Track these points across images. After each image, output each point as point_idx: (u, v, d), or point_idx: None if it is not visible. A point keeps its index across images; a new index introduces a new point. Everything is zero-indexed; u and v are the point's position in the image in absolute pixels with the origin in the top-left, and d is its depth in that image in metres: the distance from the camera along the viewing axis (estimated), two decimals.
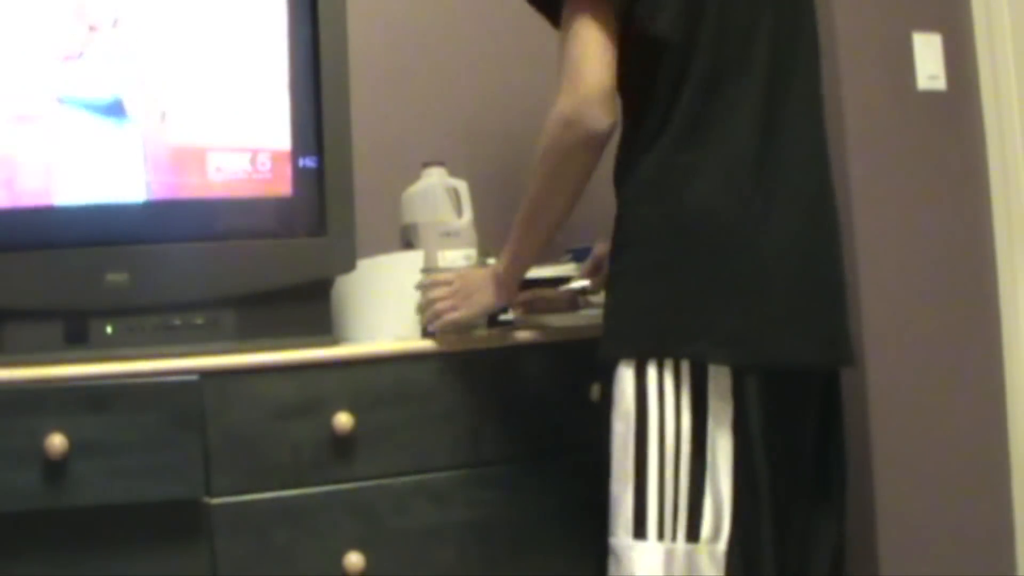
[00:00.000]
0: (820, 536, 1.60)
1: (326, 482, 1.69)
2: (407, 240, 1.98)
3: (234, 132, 1.75)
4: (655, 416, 1.48)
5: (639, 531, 1.48)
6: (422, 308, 1.79)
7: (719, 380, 1.48)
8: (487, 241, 2.18)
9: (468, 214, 1.96)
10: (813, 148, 1.59)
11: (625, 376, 1.50)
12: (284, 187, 1.78)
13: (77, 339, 1.66)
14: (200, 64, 1.74)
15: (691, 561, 1.47)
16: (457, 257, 1.91)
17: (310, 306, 1.78)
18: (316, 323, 1.78)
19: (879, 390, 2.20)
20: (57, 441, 1.52)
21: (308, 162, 1.78)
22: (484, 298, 1.73)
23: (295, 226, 1.79)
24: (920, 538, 2.21)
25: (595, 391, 1.81)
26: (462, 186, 1.97)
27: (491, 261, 2.04)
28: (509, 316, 1.91)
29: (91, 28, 1.69)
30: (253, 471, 1.65)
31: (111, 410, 1.57)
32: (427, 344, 1.80)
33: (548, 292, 1.86)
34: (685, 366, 1.48)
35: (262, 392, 1.66)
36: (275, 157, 1.77)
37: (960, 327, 2.55)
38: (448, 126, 2.31)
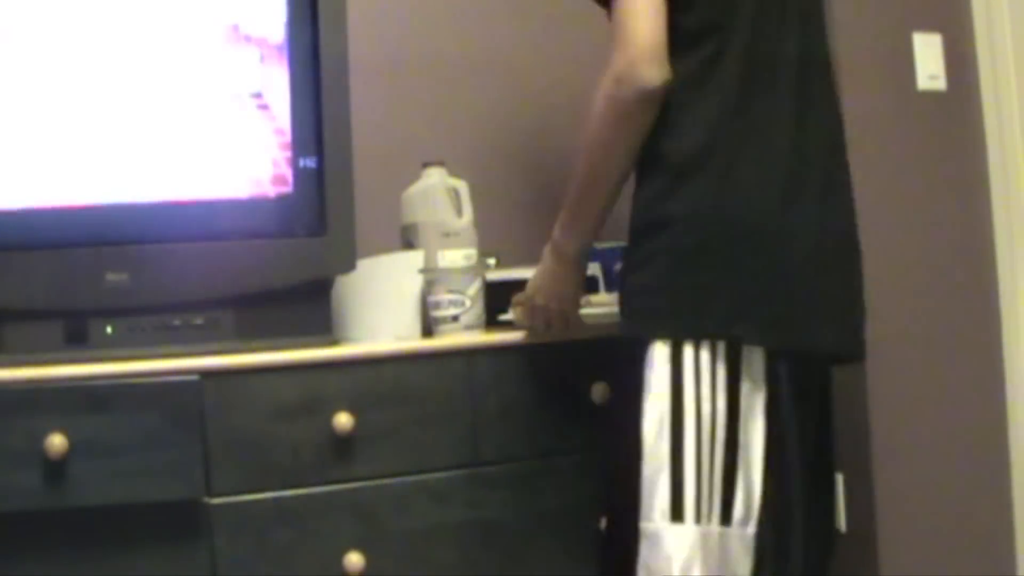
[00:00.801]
0: (817, 520, 1.62)
1: (326, 482, 1.69)
2: (407, 240, 1.98)
3: (234, 132, 1.75)
4: (691, 397, 1.48)
5: (676, 514, 1.48)
6: (535, 333, 1.79)
7: (753, 363, 1.49)
8: (487, 241, 2.18)
9: (468, 214, 1.96)
10: (835, 140, 1.62)
11: (659, 357, 1.50)
12: (284, 187, 1.78)
13: (77, 339, 1.66)
14: (199, 64, 1.74)
15: (723, 544, 1.48)
16: (457, 257, 1.91)
17: (310, 306, 1.78)
18: (316, 323, 1.78)
19: (879, 389, 2.20)
20: (57, 441, 1.52)
21: (308, 162, 1.78)
22: (562, 285, 1.72)
23: (295, 226, 1.79)
24: (920, 537, 2.21)
25: (598, 391, 1.82)
26: (462, 186, 1.97)
27: (491, 261, 2.04)
28: (509, 316, 1.91)
29: (92, 26, 1.69)
30: (253, 471, 1.65)
31: (111, 410, 1.57)
32: (427, 344, 1.80)
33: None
34: (721, 348, 1.49)
35: (262, 392, 1.66)
36: (275, 157, 1.77)
37: (960, 326, 2.55)
38: (448, 126, 2.31)
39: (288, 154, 1.78)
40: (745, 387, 1.49)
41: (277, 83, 1.77)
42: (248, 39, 1.76)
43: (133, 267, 1.68)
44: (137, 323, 1.69)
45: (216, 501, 1.63)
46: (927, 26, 2.60)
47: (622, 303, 1.59)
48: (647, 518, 1.49)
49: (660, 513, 1.48)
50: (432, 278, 1.86)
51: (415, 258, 1.88)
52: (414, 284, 1.87)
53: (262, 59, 1.77)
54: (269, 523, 1.65)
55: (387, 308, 1.87)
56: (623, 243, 2.05)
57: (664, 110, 1.54)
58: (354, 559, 1.67)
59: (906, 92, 2.36)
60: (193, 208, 1.74)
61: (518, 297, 1.80)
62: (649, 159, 1.57)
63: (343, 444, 1.69)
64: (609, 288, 1.99)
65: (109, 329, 1.68)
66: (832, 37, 2.18)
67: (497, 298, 1.91)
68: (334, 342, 1.79)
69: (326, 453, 1.69)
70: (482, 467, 1.78)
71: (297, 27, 1.78)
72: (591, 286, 1.96)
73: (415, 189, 1.99)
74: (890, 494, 2.18)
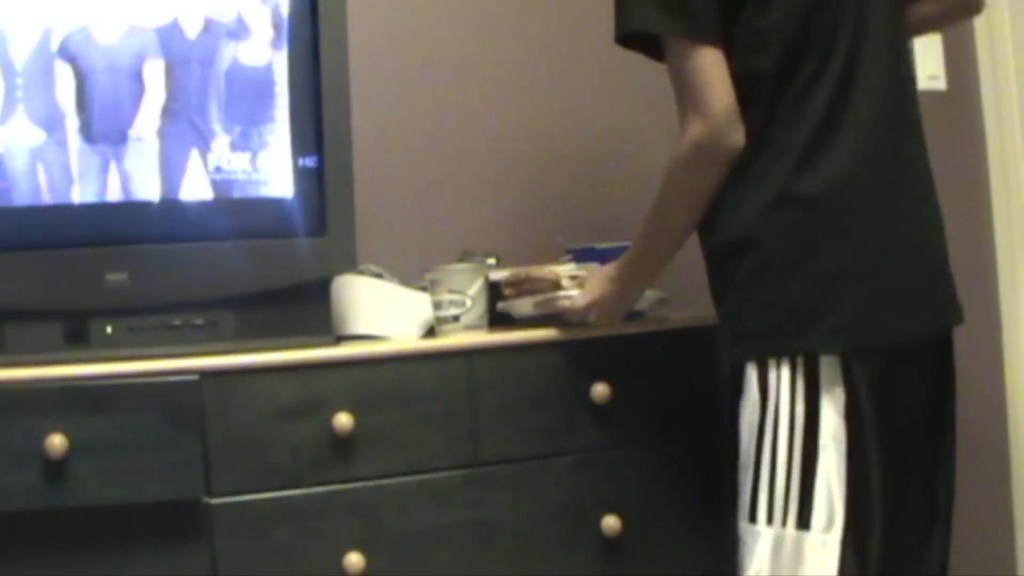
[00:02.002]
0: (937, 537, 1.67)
1: (326, 482, 1.69)
2: None
3: (234, 132, 1.75)
4: (772, 406, 1.55)
5: (752, 515, 1.56)
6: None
7: (830, 368, 1.53)
8: (487, 241, 2.18)
9: None
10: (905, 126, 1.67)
11: (750, 371, 1.58)
12: (284, 187, 1.78)
13: (77, 339, 1.66)
14: (200, 64, 1.74)
15: (799, 548, 1.52)
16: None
17: (310, 306, 1.78)
18: (316, 323, 1.78)
19: None
20: (57, 441, 1.52)
21: (308, 162, 1.78)
22: (619, 308, 1.81)
23: (295, 226, 1.79)
24: None
25: (598, 391, 1.82)
26: None
27: (491, 261, 2.04)
28: (499, 307, 1.91)
29: (92, 26, 1.69)
30: (253, 471, 1.65)
31: (111, 410, 1.57)
32: (427, 344, 1.80)
33: (533, 271, 1.86)
34: (800, 359, 1.54)
35: (262, 392, 1.66)
36: (275, 157, 1.77)
37: (960, 327, 2.55)
38: (448, 126, 2.31)
39: (288, 154, 1.78)
40: (824, 392, 1.53)
41: (277, 83, 1.77)
42: (248, 39, 1.76)
43: (133, 267, 1.68)
44: (137, 323, 1.69)
45: (216, 501, 1.63)
46: None
47: (725, 324, 1.65)
48: (739, 519, 1.59)
49: (742, 513, 1.57)
50: (433, 278, 1.86)
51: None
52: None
53: (262, 59, 1.77)
54: (269, 523, 1.65)
55: (387, 308, 1.87)
56: (622, 243, 2.07)
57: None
58: (354, 559, 1.67)
59: None
60: (193, 208, 1.74)
61: (563, 302, 1.81)
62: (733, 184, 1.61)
63: (343, 444, 1.69)
64: None
65: (109, 329, 1.68)
66: None
67: (498, 298, 1.91)
68: (334, 342, 1.79)
69: (326, 453, 1.69)
70: (482, 467, 1.78)
71: (297, 27, 1.78)
72: None
73: None
74: None
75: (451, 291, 1.84)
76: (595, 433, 1.84)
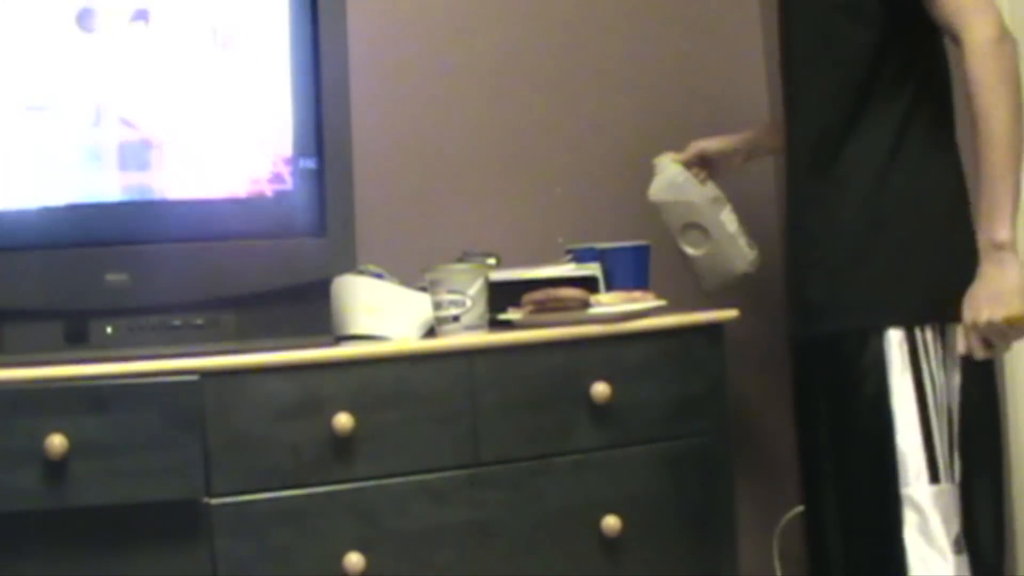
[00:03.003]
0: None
1: (326, 483, 1.69)
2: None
3: (234, 132, 1.75)
4: (928, 373, 1.68)
5: (934, 477, 1.67)
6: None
7: (951, 337, 1.69)
8: (487, 241, 2.18)
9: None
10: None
11: (894, 340, 1.69)
12: (284, 187, 1.78)
13: (77, 339, 1.66)
14: (199, 64, 1.74)
15: (954, 498, 1.69)
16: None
17: (310, 306, 1.78)
18: (316, 323, 1.78)
19: None
20: (57, 441, 1.52)
21: (308, 162, 1.78)
22: (1015, 299, 1.64)
23: (295, 226, 1.79)
24: None
25: (598, 391, 1.82)
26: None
27: (491, 261, 2.04)
28: (510, 316, 1.91)
29: (93, 26, 1.69)
30: (253, 471, 1.65)
31: (111, 410, 1.57)
32: (427, 344, 1.80)
33: (561, 291, 1.86)
34: (937, 327, 1.70)
35: (262, 392, 1.66)
36: (275, 157, 1.77)
37: None
38: (448, 126, 2.31)
39: (288, 154, 1.78)
40: (958, 358, 1.69)
41: (277, 83, 1.77)
42: (248, 39, 1.76)
43: (133, 267, 1.68)
44: (137, 323, 1.69)
45: (216, 501, 1.63)
46: None
47: (836, 297, 1.75)
48: (906, 484, 1.68)
49: (917, 478, 1.67)
50: (433, 278, 1.86)
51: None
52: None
53: (262, 59, 1.77)
54: (269, 523, 1.65)
55: (387, 308, 1.87)
56: (622, 243, 2.06)
57: (859, 106, 1.73)
58: (354, 559, 1.67)
59: None
60: (193, 208, 1.74)
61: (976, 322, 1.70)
62: (853, 159, 1.74)
63: (343, 444, 1.69)
64: (609, 288, 1.98)
65: (109, 329, 1.68)
66: None
67: (498, 298, 1.91)
68: (334, 342, 1.79)
69: (326, 453, 1.69)
70: (482, 467, 1.78)
71: (297, 27, 1.78)
72: (592, 286, 1.96)
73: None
74: None
75: (451, 291, 1.84)
76: (595, 433, 1.84)
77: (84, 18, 1.68)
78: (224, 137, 1.75)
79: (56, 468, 1.54)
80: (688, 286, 2.14)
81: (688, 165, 2.10)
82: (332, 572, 1.67)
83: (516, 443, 1.80)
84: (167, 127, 1.72)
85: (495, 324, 1.91)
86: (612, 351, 1.85)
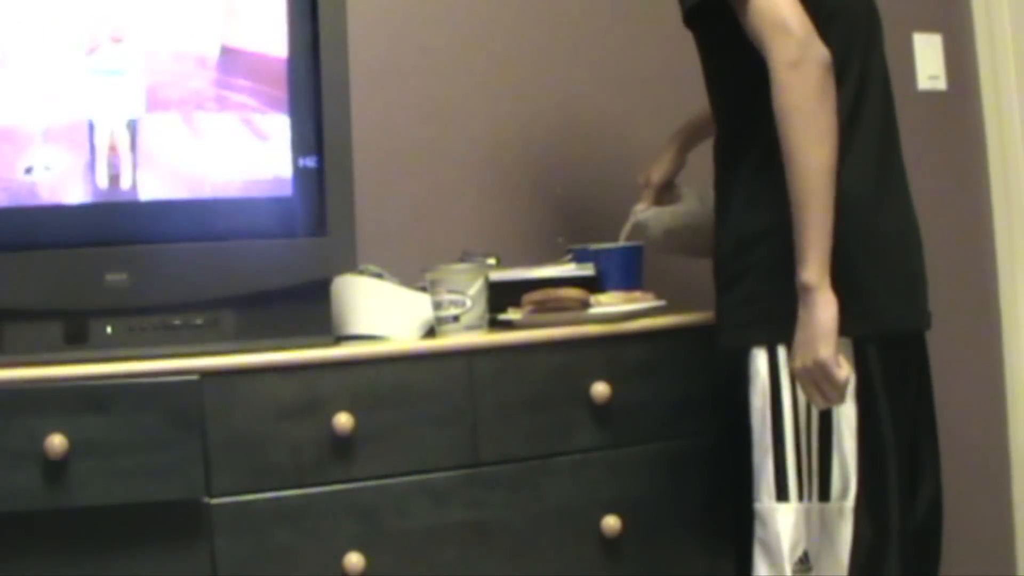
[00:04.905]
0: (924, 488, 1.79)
1: (326, 482, 1.69)
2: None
3: (234, 132, 1.75)
4: (788, 391, 1.66)
5: (781, 494, 1.66)
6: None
7: (843, 351, 1.60)
8: (487, 241, 2.18)
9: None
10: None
11: (759, 358, 1.67)
12: (284, 187, 1.78)
13: (77, 339, 1.66)
14: (200, 64, 1.74)
15: (823, 518, 1.66)
16: None
17: (310, 306, 1.78)
18: (316, 323, 1.78)
19: None
20: (57, 441, 1.52)
21: (308, 162, 1.78)
22: (822, 344, 1.57)
23: (295, 226, 1.79)
24: None
25: (598, 391, 1.82)
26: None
27: (491, 261, 2.04)
28: (509, 316, 1.91)
29: (96, 27, 1.69)
30: (253, 471, 1.65)
31: (111, 410, 1.57)
32: (427, 344, 1.80)
33: (561, 291, 1.86)
34: None
35: (262, 392, 1.66)
36: (275, 157, 1.77)
37: (960, 327, 2.55)
38: (448, 126, 2.31)
39: (288, 154, 1.78)
40: None
41: (277, 83, 1.77)
42: (248, 39, 1.76)
43: (133, 267, 1.68)
44: (137, 323, 1.69)
45: (216, 501, 1.63)
46: (927, 26, 2.60)
47: (731, 311, 1.73)
48: (758, 499, 1.68)
49: (767, 494, 1.66)
50: (433, 278, 1.86)
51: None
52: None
53: (262, 58, 1.77)
54: (269, 523, 1.65)
55: (387, 308, 1.87)
56: (622, 244, 2.06)
57: (744, 130, 1.69)
58: (354, 559, 1.67)
59: (906, 92, 2.36)
60: (193, 208, 1.74)
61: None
62: (732, 181, 1.72)
63: (343, 444, 1.69)
64: (603, 289, 1.98)
65: (109, 329, 1.68)
66: None
67: (498, 298, 1.91)
68: (334, 342, 1.79)
69: (326, 453, 1.69)
70: (482, 467, 1.78)
71: (297, 27, 1.78)
72: (592, 285, 1.96)
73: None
74: None
75: (451, 291, 1.84)
76: (595, 433, 1.84)
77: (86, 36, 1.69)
78: (224, 137, 1.75)
79: (56, 468, 1.54)
80: (688, 286, 2.14)
81: (659, 199, 2.08)
82: (332, 572, 1.67)
83: (516, 443, 1.80)
84: (167, 127, 1.72)
85: (495, 324, 1.91)
86: (612, 351, 1.86)
